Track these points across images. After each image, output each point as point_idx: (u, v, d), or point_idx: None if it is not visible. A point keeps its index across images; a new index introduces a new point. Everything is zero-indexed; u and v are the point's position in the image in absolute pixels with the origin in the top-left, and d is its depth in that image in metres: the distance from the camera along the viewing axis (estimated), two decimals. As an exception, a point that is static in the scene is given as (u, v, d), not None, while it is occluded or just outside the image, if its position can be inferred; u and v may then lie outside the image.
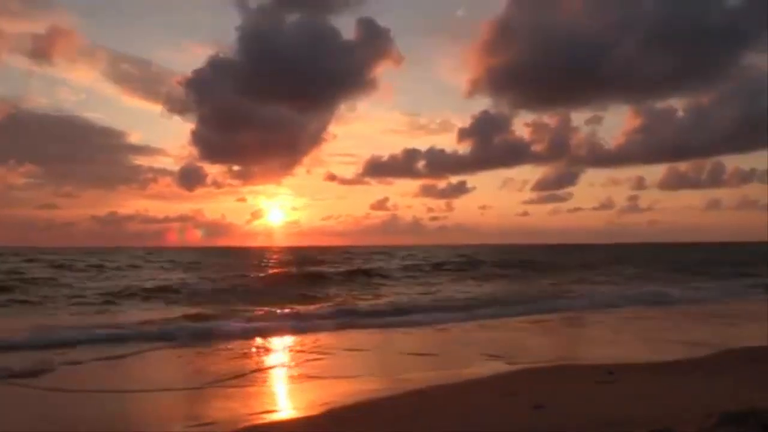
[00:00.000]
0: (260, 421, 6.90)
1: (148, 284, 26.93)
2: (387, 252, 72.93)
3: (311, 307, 18.96)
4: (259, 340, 13.27)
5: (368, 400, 7.76)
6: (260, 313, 17.37)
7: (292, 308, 18.67)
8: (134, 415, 7.37)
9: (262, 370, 10.08)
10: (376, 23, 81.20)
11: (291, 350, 12.20)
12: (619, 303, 20.37)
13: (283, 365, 10.57)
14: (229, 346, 12.40)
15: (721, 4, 60.27)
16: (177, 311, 17.78)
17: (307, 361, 10.75)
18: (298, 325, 15.03)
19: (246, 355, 11.53)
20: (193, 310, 17.74)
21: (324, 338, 13.42)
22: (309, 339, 13.33)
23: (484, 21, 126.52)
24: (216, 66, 65.14)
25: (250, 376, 9.50)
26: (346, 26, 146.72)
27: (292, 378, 9.58)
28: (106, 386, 8.94)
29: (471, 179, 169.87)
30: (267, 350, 12.26)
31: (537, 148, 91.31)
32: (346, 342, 13.03)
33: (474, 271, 38.25)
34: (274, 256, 68.79)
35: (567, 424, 5.82)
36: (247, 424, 6.73)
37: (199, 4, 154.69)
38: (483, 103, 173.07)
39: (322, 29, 61.30)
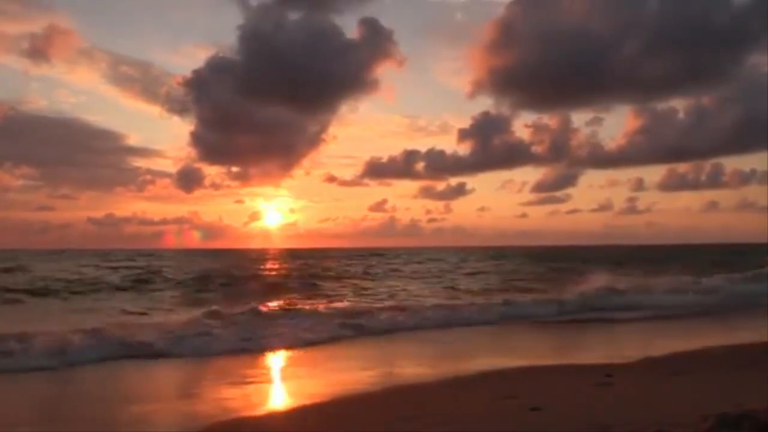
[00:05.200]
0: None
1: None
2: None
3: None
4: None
5: (361, 397, 7.83)
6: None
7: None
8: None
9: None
10: (379, 23, 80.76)
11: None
12: None
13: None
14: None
15: (723, 6, 60.17)
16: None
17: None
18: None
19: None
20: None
21: None
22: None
23: (484, 23, 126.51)
24: (216, 66, 64.81)
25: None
26: (347, 26, 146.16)
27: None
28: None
29: (470, 181, 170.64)
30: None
31: (537, 149, 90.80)
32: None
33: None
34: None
35: (564, 427, 5.84)
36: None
37: (199, 5, 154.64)
38: (483, 105, 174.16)
39: (324, 29, 61.11)
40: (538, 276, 34.71)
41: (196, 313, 15.38)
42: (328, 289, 26.56)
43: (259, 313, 15.59)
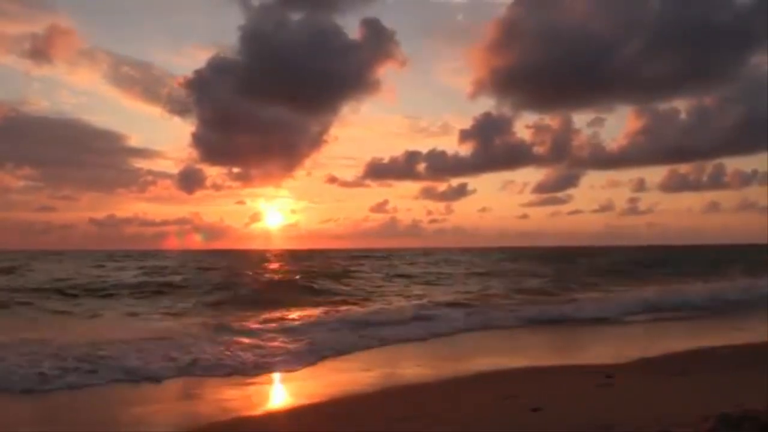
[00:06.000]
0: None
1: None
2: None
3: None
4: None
5: (361, 397, 7.82)
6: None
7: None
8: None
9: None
10: (381, 24, 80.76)
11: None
12: None
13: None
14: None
15: (724, 6, 60.13)
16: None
17: None
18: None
19: None
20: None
21: None
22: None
23: (486, 23, 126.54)
24: (217, 66, 64.92)
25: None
26: (349, 26, 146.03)
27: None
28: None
29: (472, 182, 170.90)
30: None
31: (538, 150, 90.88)
32: None
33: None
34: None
35: (565, 427, 5.82)
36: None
37: (201, 6, 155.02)
38: (485, 105, 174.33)
39: (325, 29, 61.15)
40: (565, 276, 33.72)
41: (250, 321, 15.02)
42: (359, 293, 24.86)
43: (319, 322, 15.20)
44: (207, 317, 16.05)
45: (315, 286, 26.85)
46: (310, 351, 11.59)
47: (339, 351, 11.81)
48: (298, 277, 31.99)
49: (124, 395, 8.51)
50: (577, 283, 29.03)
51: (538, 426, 5.99)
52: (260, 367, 10.23)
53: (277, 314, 16.79)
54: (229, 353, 10.96)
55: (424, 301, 20.73)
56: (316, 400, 7.89)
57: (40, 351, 10.33)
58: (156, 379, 9.28)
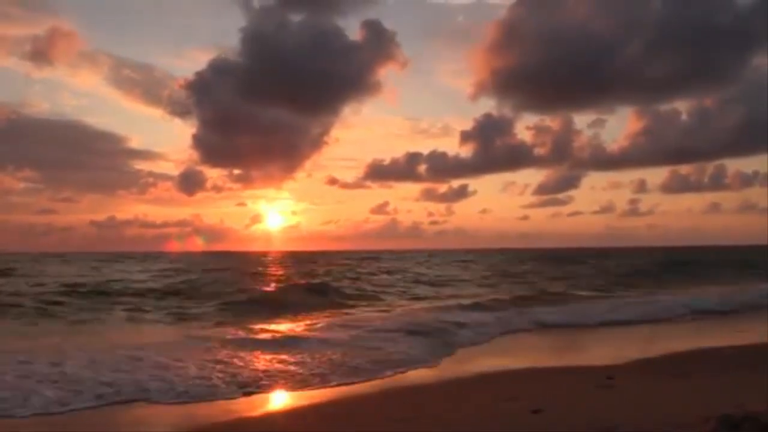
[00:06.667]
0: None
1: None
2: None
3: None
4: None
5: (361, 397, 7.81)
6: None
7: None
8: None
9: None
10: (382, 25, 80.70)
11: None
12: None
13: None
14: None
15: (726, 7, 60.06)
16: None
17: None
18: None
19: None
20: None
21: None
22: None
23: (486, 24, 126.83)
24: (218, 68, 64.96)
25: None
26: (350, 28, 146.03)
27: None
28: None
29: (472, 183, 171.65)
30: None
31: (539, 151, 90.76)
32: None
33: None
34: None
35: (565, 429, 5.81)
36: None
37: (202, 8, 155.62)
38: (485, 107, 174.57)
39: (326, 30, 61.19)
40: (583, 278, 33.54)
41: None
42: (376, 297, 24.15)
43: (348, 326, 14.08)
44: (236, 326, 14.88)
45: (330, 289, 26.22)
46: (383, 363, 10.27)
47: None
48: (314, 280, 31.13)
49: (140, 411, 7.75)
50: (596, 285, 28.80)
51: (538, 427, 5.98)
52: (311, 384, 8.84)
53: (307, 320, 15.99)
54: (278, 366, 9.78)
55: (453, 303, 20.18)
56: (316, 400, 7.89)
57: (57, 362, 9.26)
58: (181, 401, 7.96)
